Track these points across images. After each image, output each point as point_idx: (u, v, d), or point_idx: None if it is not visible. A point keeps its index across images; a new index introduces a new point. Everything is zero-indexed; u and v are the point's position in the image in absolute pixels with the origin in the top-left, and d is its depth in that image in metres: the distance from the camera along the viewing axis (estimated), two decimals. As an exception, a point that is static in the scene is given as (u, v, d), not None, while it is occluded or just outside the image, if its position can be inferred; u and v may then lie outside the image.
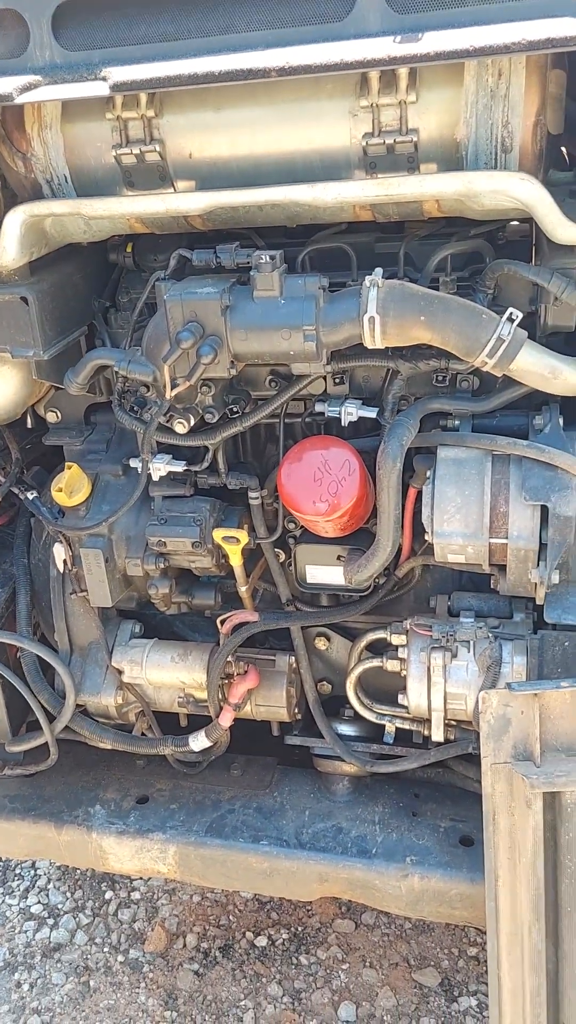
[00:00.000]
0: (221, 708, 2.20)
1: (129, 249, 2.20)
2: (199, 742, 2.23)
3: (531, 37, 1.43)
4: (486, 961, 2.70)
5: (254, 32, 1.61)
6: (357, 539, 2.08)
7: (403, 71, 1.61)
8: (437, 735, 2.05)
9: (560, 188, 1.85)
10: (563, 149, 2.02)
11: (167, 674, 2.23)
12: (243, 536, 2.08)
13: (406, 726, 2.18)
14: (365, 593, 2.16)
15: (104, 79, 1.65)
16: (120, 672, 2.26)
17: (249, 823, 2.25)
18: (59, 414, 2.34)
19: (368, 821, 2.22)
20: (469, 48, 1.46)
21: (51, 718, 2.28)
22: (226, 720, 2.19)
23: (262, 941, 2.84)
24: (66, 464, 2.21)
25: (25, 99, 1.67)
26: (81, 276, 2.16)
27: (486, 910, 1.86)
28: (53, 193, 1.91)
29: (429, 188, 1.67)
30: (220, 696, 2.20)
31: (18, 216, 1.87)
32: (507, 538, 1.85)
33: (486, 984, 2.64)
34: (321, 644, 2.34)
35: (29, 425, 2.44)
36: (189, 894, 3.02)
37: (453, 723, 2.08)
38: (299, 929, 2.87)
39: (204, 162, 1.79)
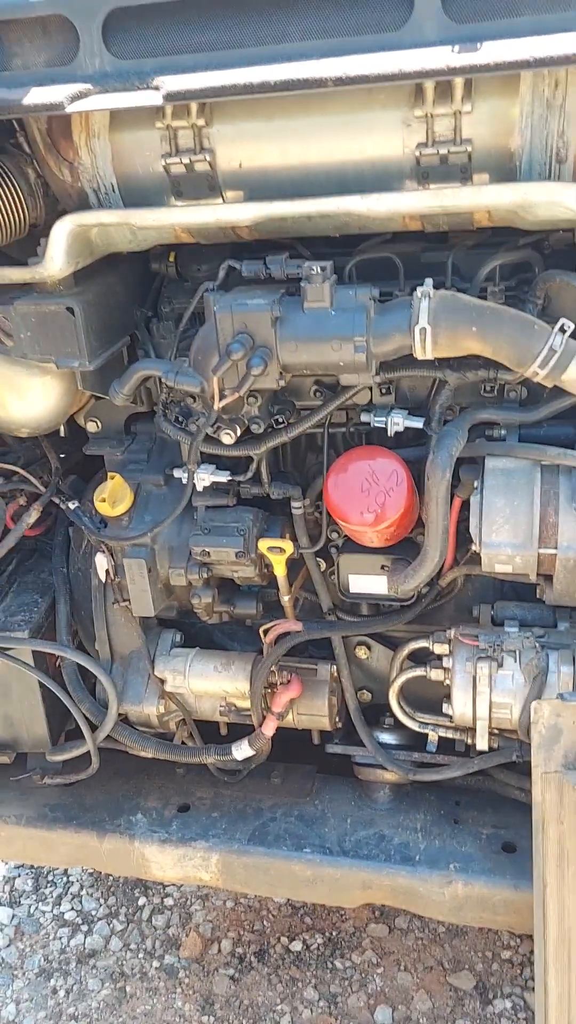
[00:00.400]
0: (264, 717, 2.20)
1: (172, 259, 2.19)
2: (242, 751, 2.23)
3: (592, 49, 1.42)
4: (520, 964, 2.72)
5: (309, 41, 1.59)
6: (401, 549, 2.08)
7: (459, 81, 1.60)
8: (482, 744, 2.05)
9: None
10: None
11: (210, 683, 2.24)
12: (288, 546, 2.08)
13: (448, 735, 2.18)
14: (408, 603, 2.16)
15: (156, 88, 1.64)
16: (163, 681, 2.27)
17: (291, 831, 2.26)
18: (99, 423, 2.34)
19: (410, 828, 2.23)
20: (529, 59, 1.45)
21: (93, 727, 2.28)
22: (269, 729, 2.19)
23: (297, 946, 2.85)
24: (108, 474, 2.21)
25: (76, 108, 1.66)
26: (123, 286, 2.16)
27: (534, 917, 1.87)
28: (99, 202, 1.90)
29: (484, 199, 1.67)
30: (263, 705, 2.20)
31: (66, 226, 1.86)
32: (556, 548, 1.85)
33: (520, 987, 2.67)
34: (362, 653, 2.34)
35: (63, 434, 2.44)
36: (223, 900, 3.03)
37: (496, 732, 2.08)
38: (333, 933, 2.88)
39: (254, 172, 1.78)
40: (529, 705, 1.89)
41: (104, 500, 2.16)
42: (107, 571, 2.22)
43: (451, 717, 2.08)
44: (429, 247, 2.05)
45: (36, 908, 3.10)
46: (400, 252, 1.99)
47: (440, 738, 2.21)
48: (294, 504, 2.11)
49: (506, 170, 1.69)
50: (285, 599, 2.19)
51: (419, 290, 1.74)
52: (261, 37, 1.61)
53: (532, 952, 2.67)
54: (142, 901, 3.07)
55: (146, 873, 2.34)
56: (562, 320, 1.71)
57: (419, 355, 1.76)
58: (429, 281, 1.77)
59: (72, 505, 2.29)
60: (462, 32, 1.52)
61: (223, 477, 2.07)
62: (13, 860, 3.10)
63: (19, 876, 3.21)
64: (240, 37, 1.62)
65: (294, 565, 2.20)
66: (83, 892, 3.13)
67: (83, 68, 1.70)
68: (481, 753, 2.13)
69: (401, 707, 2.19)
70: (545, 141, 1.64)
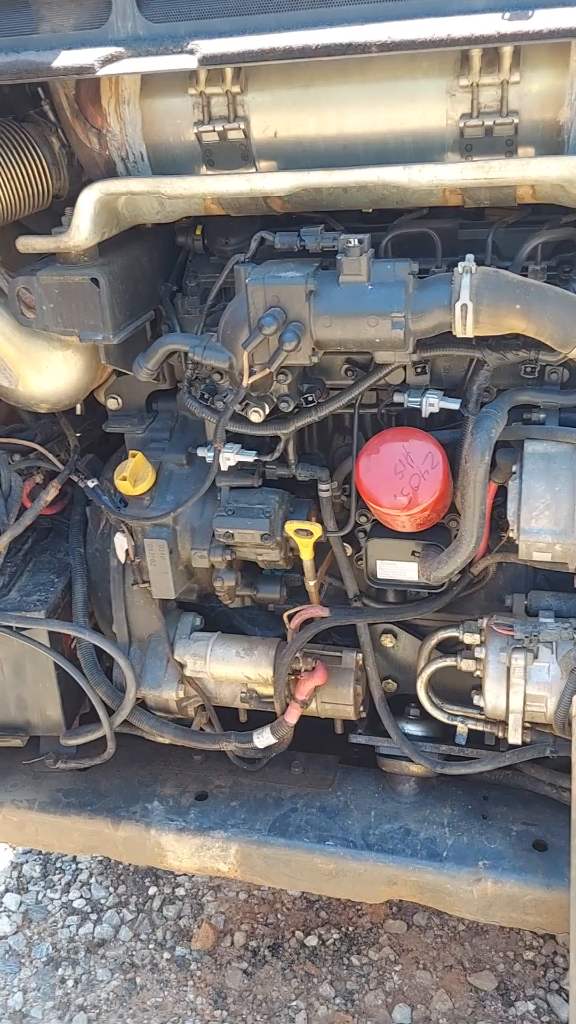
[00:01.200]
0: (287, 705, 2.14)
1: (199, 232, 2.13)
2: (264, 739, 2.17)
3: None
4: (543, 965, 2.67)
5: (351, 6, 1.54)
6: (432, 535, 2.02)
7: (507, 50, 1.54)
8: (514, 737, 1.99)
9: None
10: None
11: (232, 668, 2.18)
12: (317, 529, 2.02)
13: (478, 727, 2.12)
14: (438, 590, 2.10)
15: (191, 52, 1.58)
16: (183, 666, 2.21)
17: (313, 822, 2.20)
18: (120, 401, 2.29)
19: (437, 823, 2.17)
20: (584, 26, 1.39)
21: (109, 711, 2.23)
22: (292, 717, 2.14)
23: (312, 941, 2.80)
24: (130, 452, 2.16)
25: (107, 71, 1.60)
26: (148, 259, 2.10)
27: (570, 917, 1.81)
28: (127, 171, 1.85)
29: (532, 172, 1.60)
30: (287, 692, 2.14)
31: (93, 194, 1.80)
32: (598, 537, 1.78)
33: (544, 988, 2.61)
34: (387, 641, 2.28)
35: (79, 412, 2.39)
36: (235, 891, 2.98)
37: (529, 725, 2.02)
38: (350, 929, 2.83)
39: (289, 142, 1.72)
40: (567, 698, 1.83)
41: (125, 479, 2.10)
42: (127, 551, 2.16)
43: (482, 709, 2.02)
44: (466, 224, 1.99)
45: (44, 895, 3.05)
46: (436, 228, 1.93)
47: (470, 730, 2.15)
48: (321, 486, 2.06)
49: (553, 144, 1.63)
50: (311, 584, 2.14)
51: (461, 265, 1.68)
52: (299, 1, 1.55)
53: (556, 953, 2.62)
54: (152, 890, 3.02)
55: (162, 863, 2.29)
56: (609, 299, 1.65)
57: (459, 333, 1.70)
58: (471, 256, 1.71)
59: (91, 483, 2.24)
60: None
61: (249, 457, 2.01)
62: (25, 846, 3.05)
63: (27, 862, 3.17)
64: (277, 1, 1.56)
65: (320, 549, 2.14)
66: (92, 880, 3.08)
67: (115, 31, 1.64)
68: (512, 747, 2.07)
69: (429, 698, 2.13)
70: (596, 114, 1.57)
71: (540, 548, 1.83)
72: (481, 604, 2.18)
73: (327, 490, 2.06)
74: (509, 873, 2.04)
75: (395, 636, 2.28)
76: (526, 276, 1.81)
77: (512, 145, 1.63)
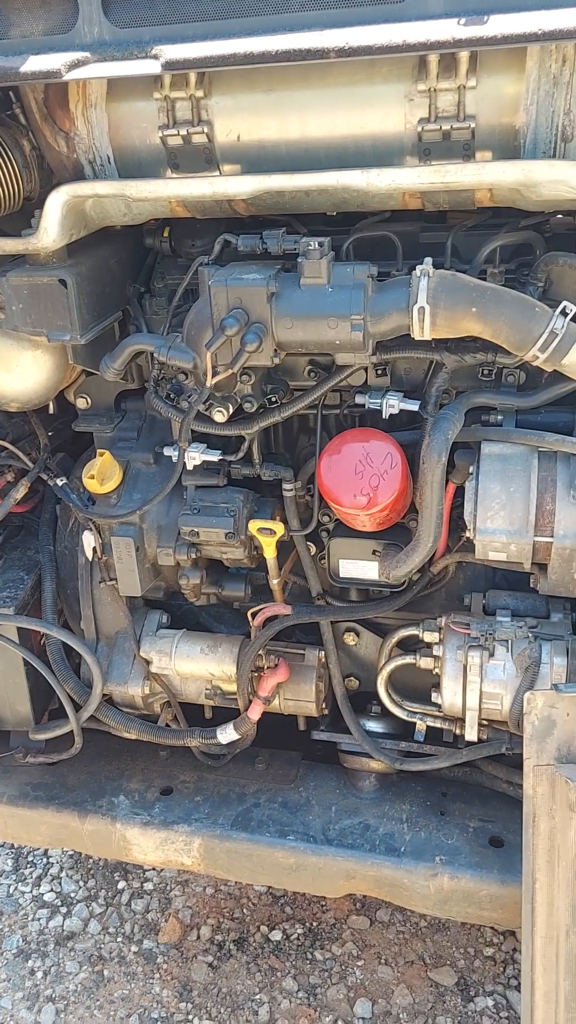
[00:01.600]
0: (250, 701, 2.17)
1: (166, 234, 2.16)
2: (227, 735, 2.20)
3: (603, 23, 1.39)
4: (503, 962, 2.70)
5: (310, 12, 1.56)
6: (392, 534, 2.05)
7: (464, 55, 1.57)
8: (471, 735, 2.02)
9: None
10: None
11: (196, 665, 2.20)
12: (279, 528, 2.04)
13: (437, 724, 2.15)
14: (398, 589, 2.13)
15: (155, 57, 1.60)
16: (148, 662, 2.23)
17: (275, 817, 2.23)
18: (89, 400, 2.31)
19: (396, 819, 2.20)
20: (538, 32, 1.42)
21: (77, 707, 2.25)
22: (255, 713, 2.17)
23: (277, 935, 2.82)
24: (98, 451, 2.18)
25: (73, 76, 1.63)
26: (116, 260, 2.12)
27: (522, 913, 1.84)
28: (95, 174, 1.87)
29: (488, 176, 1.63)
30: (250, 689, 2.17)
31: (60, 196, 1.82)
32: (552, 537, 1.82)
33: (503, 985, 2.64)
34: (350, 639, 2.31)
35: (51, 411, 2.41)
36: (203, 886, 3.00)
37: (486, 722, 2.05)
38: (314, 924, 2.85)
39: (252, 145, 1.75)
40: (521, 696, 1.86)
41: (92, 477, 2.12)
42: (94, 549, 2.19)
43: (440, 706, 2.05)
44: (428, 227, 2.02)
45: (15, 888, 3.07)
46: (398, 231, 1.95)
47: (428, 728, 2.18)
48: (285, 486, 2.08)
49: (510, 148, 1.65)
50: (274, 582, 2.16)
51: (418, 268, 1.71)
52: (261, 7, 1.58)
53: (515, 950, 2.65)
54: (122, 885, 3.04)
55: (127, 856, 2.31)
56: (564, 303, 1.68)
57: (417, 335, 1.73)
58: (429, 260, 1.74)
59: (60, 482, 2.26)
60: (468, 4, 1.49)
61: (214, 456, 2.04)
62: (-7, 840, 3.07)
63: (-1, 857, 3.19)
64: (240, 7, 1.60)
65: (284, 548, 2.16)
66: (63, 874, 3.10)
67: (81, 37, 1.67)
68: (470, 744, 2.10)
69: (389, 695, 2.16)
70: (551, 119, 1.61)
71: (496, 548, 1.87)
72: (442, 603, 2.21)
73: (291, 489, 2.09)
74: (465, 869, 2.07)
75: (357, 634, 2.31)
76: (484, 279, 1.85)
77: (470, 149, 1.66)
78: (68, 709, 2.23)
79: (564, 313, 1.67)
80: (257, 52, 1.55)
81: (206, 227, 2.10)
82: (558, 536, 1.80)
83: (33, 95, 1.84)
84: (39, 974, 2.78)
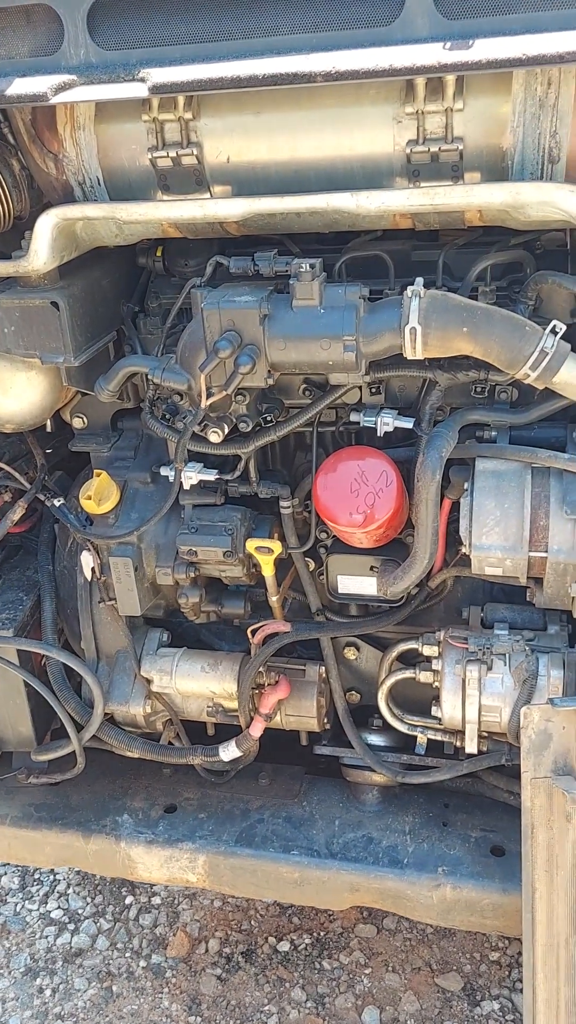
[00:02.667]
0: (252, 718, 2.18)
1: (159, 254, 2.16)
2: (229, 752, 2.21)
3: (586, 46, 1.40)
4: (508, 966, 2.71)
5: (299, 35, 1.57)
6: (390, 550, 2.06)
7: (450, 78, 1.58)
8: (471, 747, 2.03)
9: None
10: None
11: (197, 684, 2.21)
12: (277, 546, 2.05)
13: (437, 737, 2.16)
14: (397, 604, 2.14)
15: (142, 80, 1.60)
16: (149, 681, 2.24)
17: (279, 832, 2.24)
18: (85, 420, 2.31)
19: (399, 831, 2.21)
20: (522, 56, 1.43)
21: (78, 727, 2.26)
22: (257, 730, 2.18)
23: (284, 946, 2.83)
24: (95, 471, 2.19)
25: (60, 99, 1.63)
26: (109, 281, 2.13)
27: (523, 922, 1.86)
28: (85, 196, 1.88)
29: (476, 198, 1.64)
30: (251, 706, 2.18)
31: (50, 219, 1.83)
32: (547, 552, 1.83)
33: (508, 988, 2.66)
34: (350, 654, 2.32)
35: (49, 430, 2.41)
36: (210, 899, 3.02)
37: (485, 735, 2.06)
38: (321, 934, 2.87)
39: (242, 166, 1.75)
40: (519, 709, 1.87)
41: (90, 498, 2.13)
42: (93, 569, 2.20)
43: (440, 719, 2.06)
44: (420, 245, 2.03)
45: (22, 906, 3.08)
46: (390, 250, 1.97)
47: (429, 740, 2.19)
48: (283, 503, 2.09)
49: (498, 169, 1.66)
50: (273, 599, 2.17)
51: (409, 289, 1.72)
52: (250, 30, 1.58)
53: (520, 954, 2.66)
54: (129, 900, 3.05)
55: (132, 874, 2.32)
56: (554, 322, 1.69)
57: (409, 355, 1.74)
58: (420, 280, 1.75)
59: (57, 502, 2.27)
60: (454, 29, 1.50)
61: (211, 475, 2.04)
62: (-1, 859, 3.08)
63: (5, 874, 3.19)
64: (228, 29, 1.60)
65: (282, 565, 2.17)
66: (70, 891, 3.11)
67: (68, 59, 1.67)
68: (470, 756, 2.11)
69: (390, 709, 2.17)
70: (537, 140, 1.62)
71: (492, 563, 1.88)
72: (441, 616, 2.22)
73: (288, 507, 2.09)
74: (467, 879, 2.09)
75: (358, 649, 2.32)
76: (475, 298, 1.86)
77: (458, 170, 1.67)
78: (70, 730, 2.23)
79: (554, 332, 1.68)
80: (245, 76, 1.55)
81: (199, 246, 2.11)
82: (552, 551, 1.81)
83: (21, 116, 1.84)
84: (47, 992, 2.79)
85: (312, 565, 2.21)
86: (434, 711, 2.07)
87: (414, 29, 1.51)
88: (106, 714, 2.26)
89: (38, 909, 3.06)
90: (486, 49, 1.45)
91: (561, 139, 1.61)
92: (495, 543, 1.85)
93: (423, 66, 1.47)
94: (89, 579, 2.23)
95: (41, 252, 1.85)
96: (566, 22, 1.44)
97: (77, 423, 2.32)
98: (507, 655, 1.96)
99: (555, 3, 1.45)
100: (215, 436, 1.92)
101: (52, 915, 3.03)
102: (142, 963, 2.84)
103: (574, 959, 1.85)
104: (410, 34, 1.52)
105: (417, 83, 1.60)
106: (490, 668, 1.96)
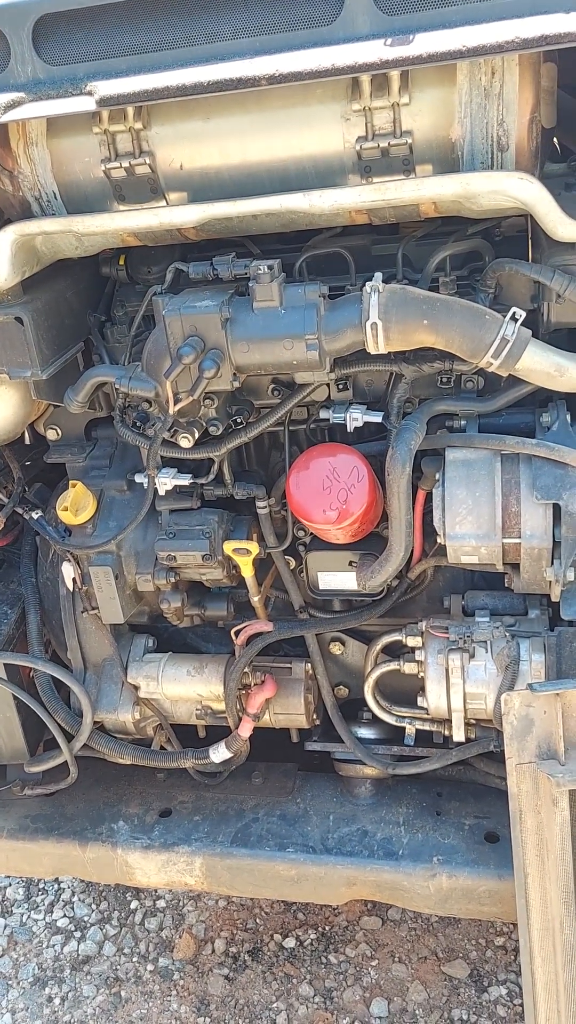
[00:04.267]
0: (240, 719, 2.19)
1: (122, 262, 2.17)
2: (219, 754, 2.22)
3: (525, 35, 1.41)
4: (514, 950, 2.73)
5: (241, 39, 1.58)
6: (368, 543, 2.07)
7: (394, 74, 1.58)
8: (458, 735, 2.05)
9: (555, 180, 1.83)
10: (555, 140, 2.00)
11: (184, 688, 2.22)
12: (254, 547, 2.06)
13: (426, 727, 2.17)
14: (378, 597, 2.15)
15: (90, 94, 1.61)
16: (136, 688, 2.25)
17: (274, 831, 2.26)
18: (59, 431, 2.32)
19: (393, 823, 2.23)
20: (462, 48, 1.44)
21: (69, 737, 2.27)
22: (245, 730, 2.19)
23: (290, 942, 2.85)
24: (70, 482, 2.19)
25: (9, 117, 1.64)
26: (74, 292, 2.13)
27: (517, 907, 1.87)
28: (42, 210, 1.88)
29: (427, 191, 1.65)
30: (238, 707, 2.19)
31: (8, 236, 1.83)
32: (520, 538, 1.84)
33: (515, 973, 2.67)
34: (336, 649, 2.33)
35: (27, 442, 2.42)
36: (215, 900, 3.03)
37: (473, 722, 2.08)
38: (326, 928, 2.88)
39: (195, 173, 1.76)
40: (502, 694, 1.88)
41: (66, 509, 2.14)
42: (74, 580, 2.20)
43: (427, 709, 2.07)
44: (379, 239, 2.04)
45: (28, 917, 3.09)
46: (350, 246, 1.97)
47: (419, 730, 2.20)
48: (259, 504, 2.10)
49: (448, 160, 1.67)
50: (255, 599, 2.18)
51: (368, 285, 1.73)
52: (192, 37, 1.59)
53: (521, 938, 2.68)
54: (134, 905, 3.07)
55: (131, 880, 2.33)
56: (513, 309, 1.70)
57: (372, 350, 1.75)
58: (378, 275, 1.76)
59: (35, 515, 2.27)
60: (394, 24, 1.50)
61: (184, 480, 2.05)
62: (-1, 872, 3.10)
63: (10, 885, 3.21)
64: (171, 38, 1.60)
65: (263, 564, 2.18)
66: (75, 899, 3.12)
67: (15, 76, 1.67)
68: (459, 744, 2.12)
69: (377, 701, 2.19)
70: (485, 130, 1.63)
71: (467, 552, 1.89)
72: (423, 606, 2.23)
73: (265, 507, 2.10)
74: (462, 866, 2.10)
75: (343, 643, 2.33)
76: (436, 289, 1.86)
77: (409, 164, 1.67)
78: (59, 740, 2.25)
79: (514, 319, 1.69)
80: (190, 84, 1.56)
81: (161, 252, 2.11)
82: (525, 536, 1.82)
83: (-27, 135, 1.84)
84: (56, 1000, 2.81)
85: (292, 563, 2.22)
86: (420, 701, 2.08)
87: (355, 27, 1.52)
88: (96, 722, 2.27)
89: (44, 918, 3.07)
90: (427, 43, 1.46)
91: (509, 127, 1.62)
92: (469, 531, 1.86)
93: (365, 64, 1.48)
94: (71, 590, 2.24)
95: (2, 269, 1.85)
96: (504, 11, 1.45)
97: (51, 435, 2.33)
98: (488, 642, 1.97)
99: (493, -7, 1.46)
100: (186, 441, 1.93)
101: (58, 923, 3.05)
102: (149, 967, 2.86)
103: (569, 942, 1.87)
104: (351, 32, 1.52)
105: (362, 80, 1.60)
106: (472, 656, 1.97)
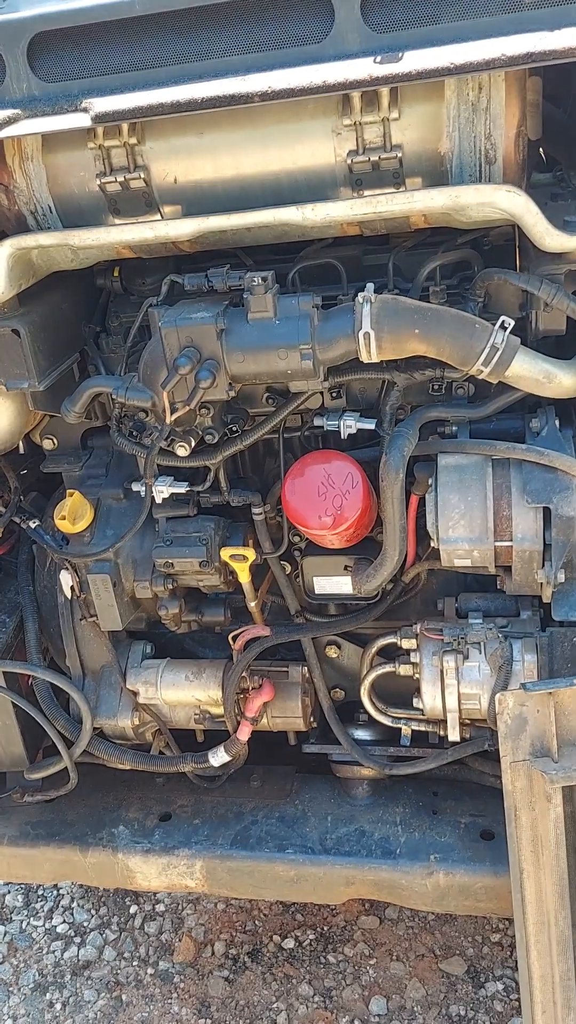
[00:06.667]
0: (238, 723, 2.22)
1: (116, 274, 2.20)
2: (218, 757, 2.25)
3: (511, 52, 1.45)
4: (510, 946, 2.77)
5: (233, 56, 1.61)
6: (363, 548, 2.10)
7: (384, 90, 1.62)
8: (453, 735, 2.08)
9: (541, 190, 1.88)
10: (541, 151, 2.05)
11: (182, 693, 2.25)
12: (250, 553, 2.09)
13: (421, 728, 2.21)
14: (373, 600, 2.19)
15: (85, 110, 1.64)
16: (135, 694, 2.28)
17: (273, 832, 2.29)
18: (56, 440, 2.34)
19: (390, 822, 2.26)
20: (450, 66, 1.47)
21: (68, 743, 2.29)
22: (244, 734, 2.22)
23: (289, 943, 2.88)
24: (67, 491, 2.22)
25: (6, 134, 1.67)
26: (70, 303, 2.16)
27: (512, 902, 1.91)
28: (38, 224, 1.91)
29: (417, 204, 1.69)
30: (237, 711, 2.22)
31: (5, 250, 1.86)
32: (512, 541, 1.88)
33: (511, 968, 2.71)
34: (332, 652, 2.37)
35: (22, 451, 2.44)
36: (214, 902, 3.06)
37: (467, 722, 2.11)
38: (325, 928, 2.91)
39: (189, 186, 1.80)
40: (496, 694, 1.91)
41: (64, 517, 2.16)
42: (72, 588, 2.23)
43: (422, 710, 2.11)
44: (370, 250, 2.07)
45: (28, 923, 3.11)
46: (342, 256, 2.01)
47: (414, 731, 2.24)
48: (255, 510, 2.13)
49: (437, 173, 1.71)
50: (252, 605, 2.21)
51: (360, 295, 1.76)
52: (185, 54, 1.62)
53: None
54: (133, 909, 3.09)
55: (132, 884, 2.36)
56: (502, 317, 1.74)
57: (364, 359, 1.78)
58: (370, 286, 1.79)
59: (33, 524, 2.30)
60: (384, 42, 1.53)
61: (181, 488, 2.08)
62: (-1, 879, 3.12)
63: (9, 892, 3.23)
64: (164, 56, 1.63)
65: (259, 569, 2.21)
66: (74, 904, 3.14)
67: (11, 93, 1.70)
68: (454, 744, 2.16)
69: (373, 703, 2.22)
70: (473, 144, 1.66)
71: (460, 555, 1.93)
72: (418, 609, 2.27)
73: (260, 513, 2.13)
74: (459, 864, 2.14)
75: (339, 647, 2.36)
76: (427, 298, 1.90)
77: (399, 177, 1.71)
78: (59, 747, 2.27)
79: (503, 327, 1.73)
80: (184, 100, 1.59)
81: (156, 264, 2.14)
82: (517, 540, 1.86)
83: (-31, 150, 1.87)
84: (58, 1006, 2.83)
85: (288, 568, 2.25)
86: (416, 703, 2.12)
87: (345, 44, 1.55)
88: (96, 729, 2.30)
89: (43, 924, 3.09)
90: (415, 60, 1.49)
91: (496, 141, 1.66)
92: (461, 535, 1.90)
93: (355, 80, 1.52)
94: (69, 598, 2.26)
95: (-1, 282, 1.88)
96: (491, 29, 1.49)
97: (47, 444, 2.35)
98: (482, 643, 2.01)
99: (478, 12, 1.49)
100: (182, 450, 1.96)
101: (58, 929, 3.07)
102: (150, 971, 2.88)
103: (564, 935, 1.91)
104: (342, 50, 1.55)
105: (353, 96, 1.64)
106: (466, 657, 2.01)
